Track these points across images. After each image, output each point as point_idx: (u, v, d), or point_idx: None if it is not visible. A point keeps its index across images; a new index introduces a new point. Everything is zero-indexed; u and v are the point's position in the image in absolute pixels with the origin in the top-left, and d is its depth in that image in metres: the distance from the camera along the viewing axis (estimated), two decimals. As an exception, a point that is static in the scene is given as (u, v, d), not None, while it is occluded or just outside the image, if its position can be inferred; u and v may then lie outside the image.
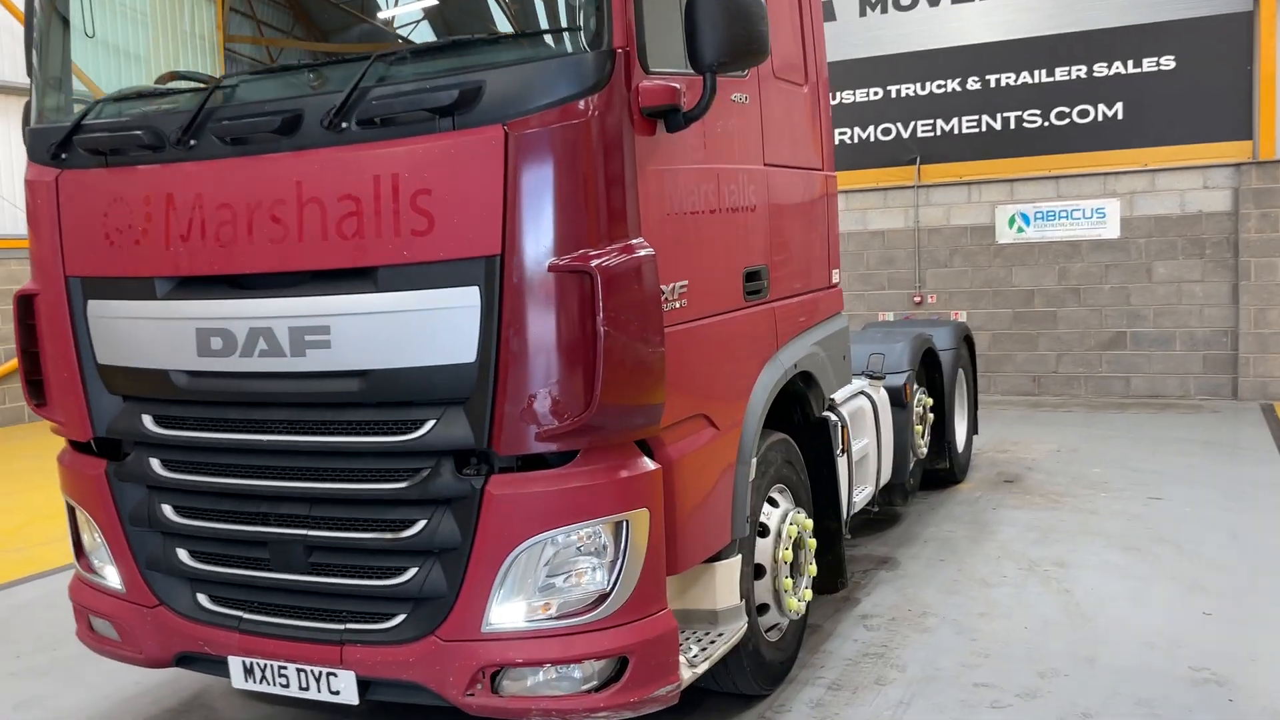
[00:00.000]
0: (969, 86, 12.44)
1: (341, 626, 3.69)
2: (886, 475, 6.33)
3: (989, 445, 9.52)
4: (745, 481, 4.06)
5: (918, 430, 6.91)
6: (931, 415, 7.28)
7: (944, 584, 5.87)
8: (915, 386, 6.97)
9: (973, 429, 8.64)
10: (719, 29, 3.36)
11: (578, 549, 3.44)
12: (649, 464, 3.48)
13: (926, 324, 8.27)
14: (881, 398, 6.26)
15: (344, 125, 3.49)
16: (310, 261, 3.59)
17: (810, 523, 4.66)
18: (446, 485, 3.47)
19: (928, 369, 7.49)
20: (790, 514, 4.52)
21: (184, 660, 4.06)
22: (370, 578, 3.64)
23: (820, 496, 5.12)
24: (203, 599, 3.99)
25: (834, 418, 5.22)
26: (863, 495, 5.84)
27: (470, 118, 3.34)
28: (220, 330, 3.74)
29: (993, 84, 12.33)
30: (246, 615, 3.88)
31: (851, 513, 5.61)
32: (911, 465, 7.02)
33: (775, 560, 4.40)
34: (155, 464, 3.99)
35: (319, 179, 3.56)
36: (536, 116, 3.28)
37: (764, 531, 4.42)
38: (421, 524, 3.52)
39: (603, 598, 3.43)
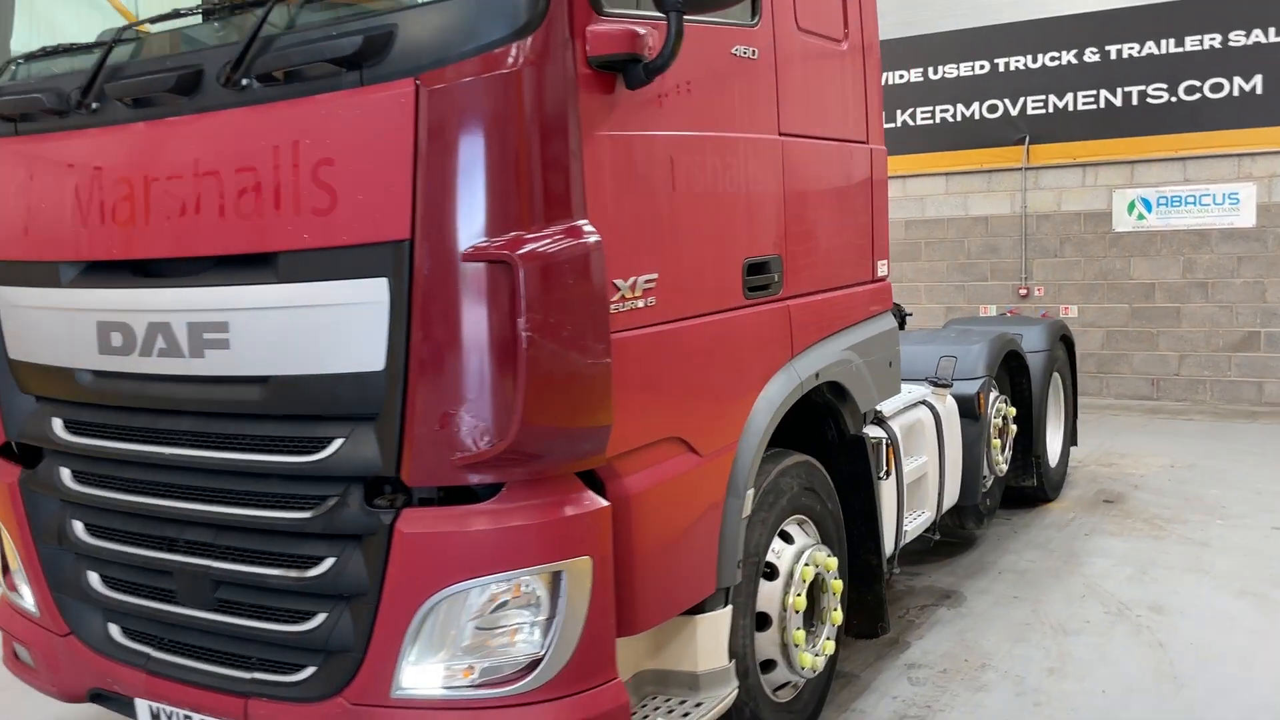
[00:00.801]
0: (1086, 58, 11.29)
1: (249, 675, 3.13)
2: (952, 498, 5.51)
3: (1092, 457, 8.51)
4: (737, 518, 3.35)
5: (995, 445, 6.04)
6: (1014, 427, 6.39)
7: (1012, 628, 5.04)
8: (994, 395, 6.10)
9: (1070, 440, 7.68)
10: None
11: (505, 603, 2.79)
12: (593, 501, 2.81)
13: (1017, 322, 7.36)
14: (947, 408, 5.44)
15: (244, 82, 2.90)
16: (208, 246, 3.03)
17: (834, 561, 3.91)
18: (354, 518, 2.87)
19: (1012, 374, 6.59)
20: (808, 552, 3.79)
21: (97, 697, 3.57)
22: (277, 621, 3.07)
23: (858, 527, 4.37)
24: (114, 630, 3.49)
25: (877, 435, 4.46)
26: (918, 522, 5.04)
27: (380, 70, 2.71)
28: (120, 325, 3.22)
29: (1113, 55, 11.14)
30: (154, 653, 3.36)
31: (902, 543, 4.83)
32: (988, 484, 6.17)
33: (784, 608, 3.68)
34: (65, 475, 3.50)
35: (216, 147, 2.98)
36: (453, 68, 2.64)
37: (771, 573, 3.70)
38: (329, 562, 2.93)
39: (535, 664, 2.79)
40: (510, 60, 2.61)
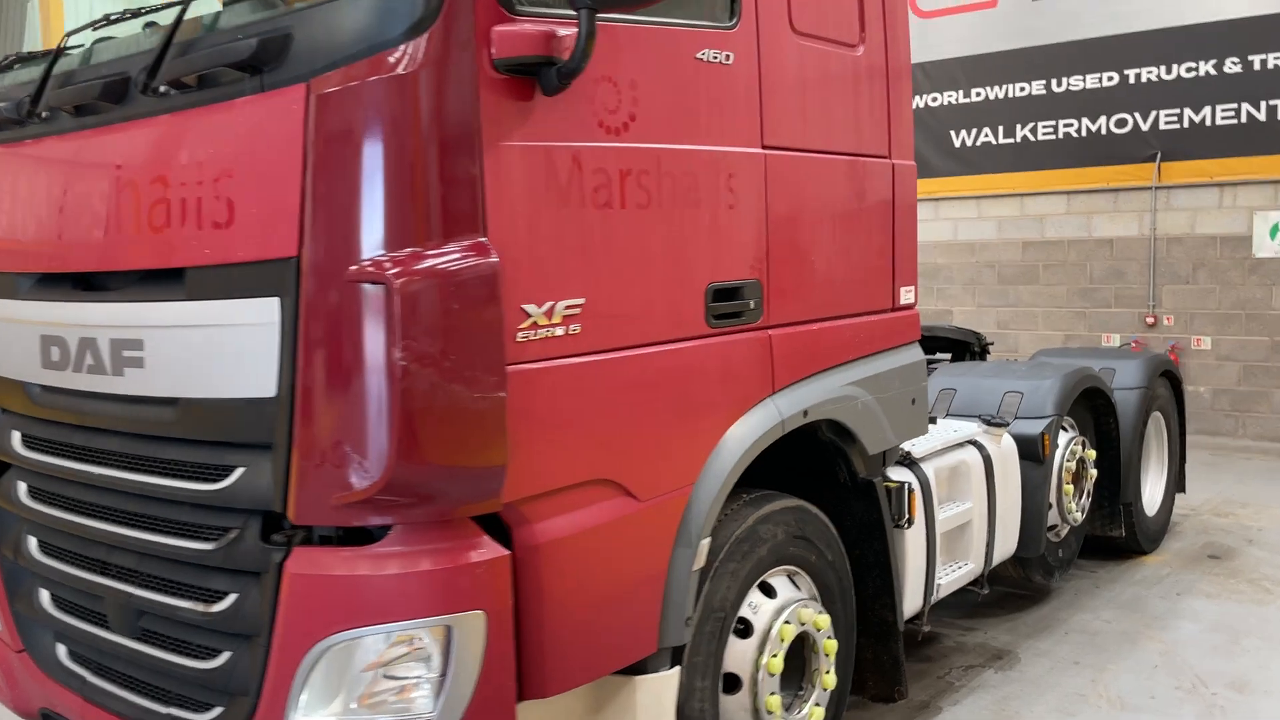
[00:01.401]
0: (1226, 69, 10.38)
1: (165, 710, 2.99)
2: (1007, 548, 4.99)
3: (1207, 505, 7.73)
4: (687, 570, 3.02)
5: (1068, 491, 5.48)
6: (1095, 471, 5.79)
7: (1063, 699, 4.51)
8: (1067, 435, 5.55)
9: (1176, 486, 6.98)
10: None
11: (397, 656, 2.56)
12: (490, 550, 2.54)
13: (1112, 355, 6.72)
14: (1003, 450, 4.94)
15: (161, 89, 2.77)
16: (127, 259, 2.93)
17: (825, 619, 3.53)
18: (250, 553, 2.69)
19: (1097, 413, 5.99)
20: (791, 608, 3.42)
21: (46, 717, 3.51)
22: (189, 655, 2.92)
23: (874, 580, 3.98)
24: (61, 651, 3.42)
25: (902, 479, 4.05)
26: (958, 574, 4.58)
27: (280, 75, 2.54)
28: (57, 339, 3.14)
29: (1256, 66, 10.22)
30: (90, 678, 3.27)
31: (935, 598, 4.38)
32: (1062, 533, 5.62)
33: (757, 669, 3.32)
34: (22, 489, 3.46)
35: (136, 157, 2.88)
36: (341, 71, 2.44)
37: (745, 630, 3.35)
38: (231, 598, 2.76)
39: None
40: (399, 62, 2.39)
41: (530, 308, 2.59)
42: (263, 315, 2.56)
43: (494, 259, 2.44)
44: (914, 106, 11.55)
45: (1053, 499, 5.43)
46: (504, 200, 2.53)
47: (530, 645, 2.66)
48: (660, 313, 2.96)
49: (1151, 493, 6.74)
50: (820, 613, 3.55)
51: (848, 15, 3.70)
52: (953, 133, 11.91)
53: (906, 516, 4.04)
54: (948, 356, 6.80)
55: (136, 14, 2.97)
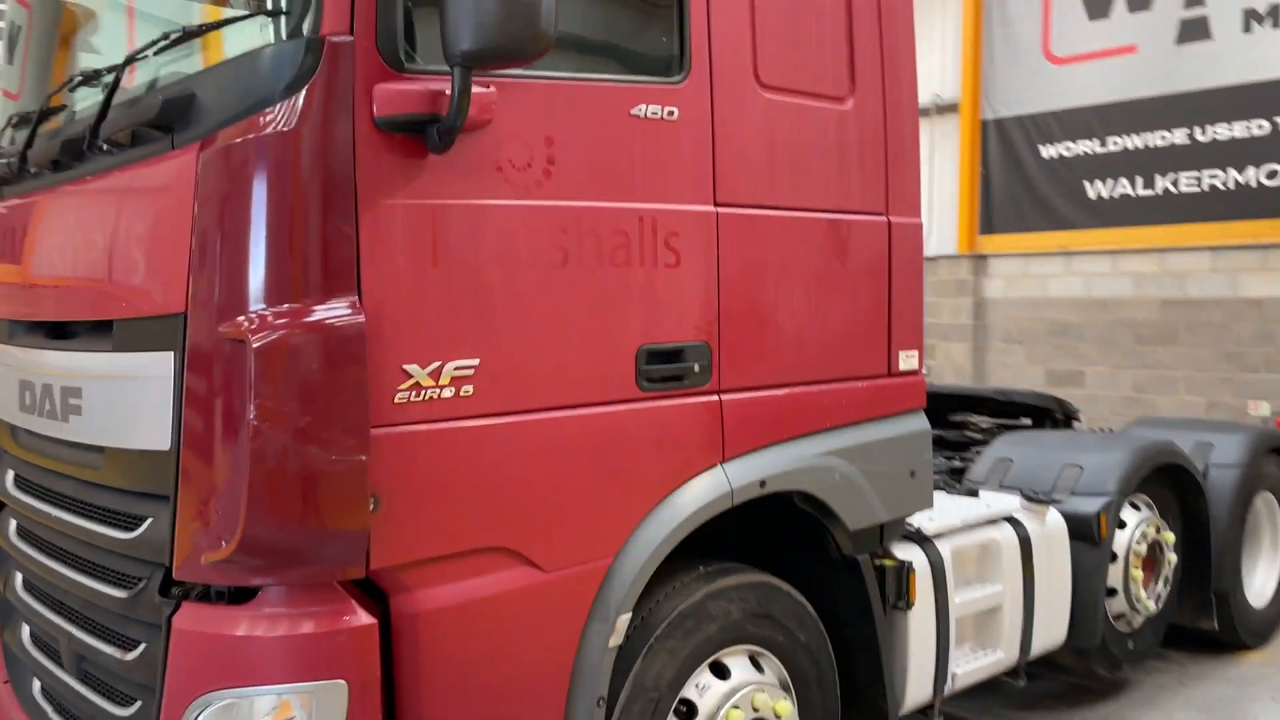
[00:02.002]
0: (1394, 116, 9.51)
1: None
2: (1052, 637, 4.58)
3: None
4: (602, 647, 2.87)
5: (1136, 576, 4.99)
6: (1174, 556, 5.28)
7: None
8: (1142, 515, 5.08)
9: (1295, 576, 6.30)
10: (472, 10, 2.32)
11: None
12: (354, 618, 2.47)
13: (1214, 427, 6.15)
14: (1047, 528, 4.55)
15: (102, 148, 2.88)
16: (72, 310, 3.05)
17: (786, 706, 3.30)
18: (151, 605, 2.72)
19: (1184, 493, 5.48)
20: (743, 691, 3.21)
21: (22, 749, 3.64)
22: (113, 700, 2.97)
23: (869, 664, 3.71)
24: (35, 686, 3.55)
25: (904, 558, 3.79)
26: (981, 663, 4.22)
27: (186, 135, 2.59)
28: (28, 382, 3.29)
29: None
30: (51, 714, 3.37)
31: (949, 688, 4.04)
32: (1136, 622, 5.13)
33: (698, 757, 3.13)
34: (13, 527, 3.63)
35: (77, 212, 3.01)
36: (224, 131, 2.46)
37: (688, 713, 3.17)
38: (142, 648, 2.79)
39: None
40: (272, 121, 2.40)
41: (413, 368, 2.53)
42: (160, 369, 2.60)
43: (359, 318, 2.40)
44: (1047, 156, 11.05)
45: (1118, 585, 4.97)
46: (384, 259, 2.48)
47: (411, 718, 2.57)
48: (577, 375, 2.85)
49: (1263, 583, 6.11)
50: (781, 698, 3.32)
51: (833, 68, 3.51)
52: (1087, 183, 11.30)
53: (904, 598, 3.76)
54: (1028, 423, 6.37)
55: (87, 79, 3.08)
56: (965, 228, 12.17)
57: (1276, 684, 5.44)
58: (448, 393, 2.59)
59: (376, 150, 2.47)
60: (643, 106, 2.96)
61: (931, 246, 12.55)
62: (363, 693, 2.47)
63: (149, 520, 2.72)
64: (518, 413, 2.73)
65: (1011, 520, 4.44)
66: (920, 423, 3.84)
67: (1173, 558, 5.26)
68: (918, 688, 3.92)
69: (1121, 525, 5.04)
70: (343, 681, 2.45)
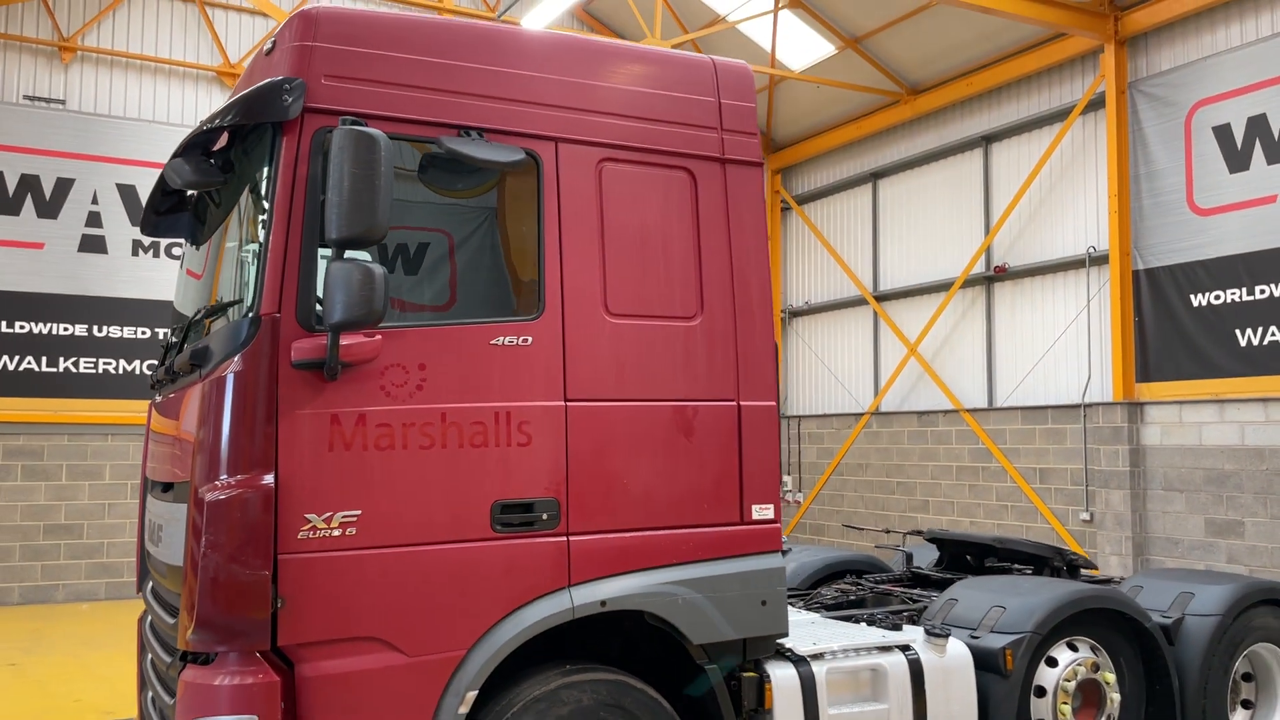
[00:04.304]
0: None
1: None
2: (955, 754, 5.27)
3: None
4: (451, 713, 4.11)
5: (1063, 711, 5.53)
6: (1116, 697, 5.72)
7: None
8: (1076, 655, 5.63)
9: (1324, 730, 6.40)
10: (333, 296, 3.82)
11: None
12: (265, 676, 3.88)
13: (1210, 578, 6.46)
14: (946, 659, 5.29)
15: (177, 374, 4.62)
16: (161, 475, 4.75)
17: None
18: (176, 667, 4.25)
19: (1142, 638, 5.91)
20: (587, 763, 4.33)
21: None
22: None
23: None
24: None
25: (764, 672, 4.77)
26: (864, 770, 5.02)
27: (203, 370, 4.25)
28: (152, 524, 5.02)
29: None
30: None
31: (823, 789, 4.89)
32: (1078, 756, 5.65)
33: (542, 813, 4.25)
34: (147, 623, 5.36)
35: (169, 411, 4.73)
36: (213, 369, 4.09)
37: (535, 780, 4.31)
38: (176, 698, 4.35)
39: None
40: (227, 366, 3.99)
41: (311, 516, 3.98)
42: (182, 513, 4.19)
43: (267, 486, 3.89)
44: (1197, 304, 11.25)
45: (1047, 716, 5.54)
46: (295, 448, 3.98)
47: (304, 751, 3.94)
48: (439, 521, 4.19)
49: (1275, 733, 6.31)
50: (629, 774, 4.38)
51: (681, 294, 4.74)
52: (1237, 331, 11.37)
53: (756, 706, 4.72)
54: (1029, 569, 6.94)
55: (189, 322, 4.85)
56: (1120, 375, 12.38)
57: (1250, 829, 5.68)
58: (336, 532, 4.02)
59: (292, 381, 4.00)
60: (501, 338, 4.35)
61: (1089, 394, 12.82)
62: (270, 726, 3.87)
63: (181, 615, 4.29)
64: (390, 546, 4.11)
65: (906, 649, 5.24)
66: (773, 561, 4.83)
67: (1115, 696, 5.73)
68: (781, 786, 4.81)
69: (1053, 663, 5.64)
70: (254, 716, 3.86)
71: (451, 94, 4.36)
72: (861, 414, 16.54)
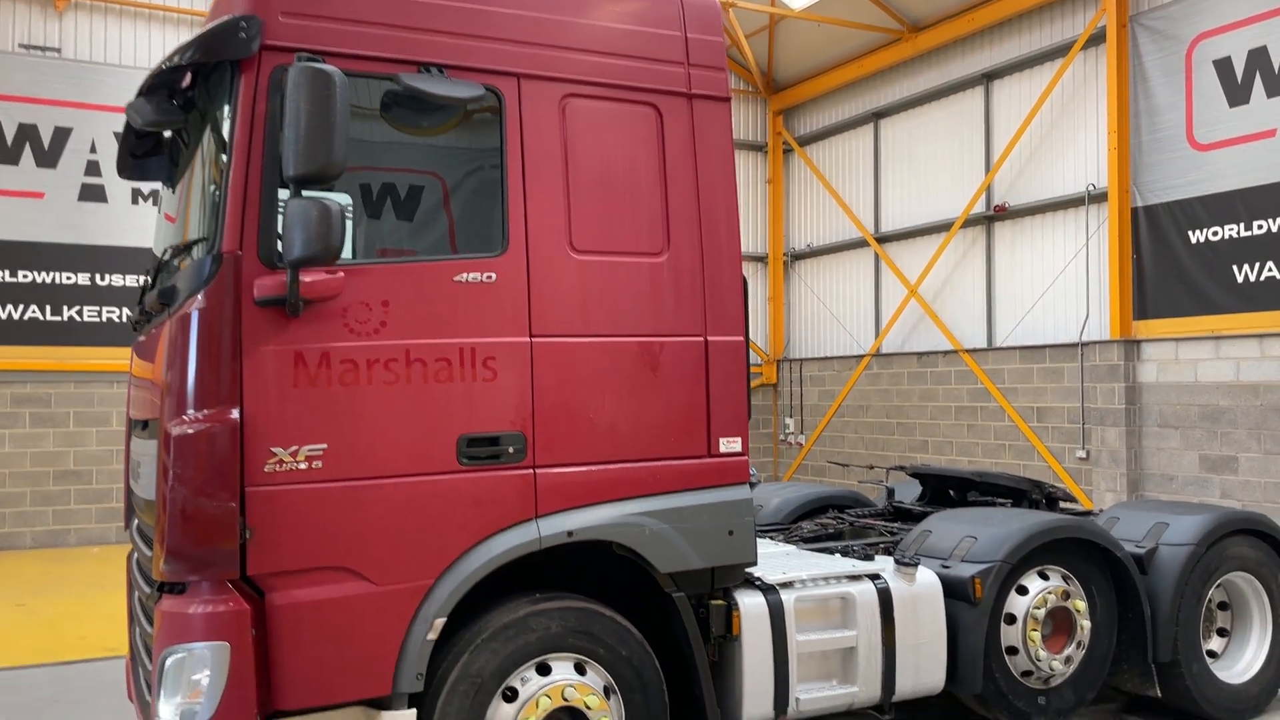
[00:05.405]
0: None
1: None
2: (927, 681, 5.36)
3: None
4: (420, 639, 4.22)
5: (1033, 638, 5.63)
6: (1086, 623, 5.81)
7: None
8: (1046, 584, 5.72)
9: (1285, 660, 6.48)
10: (291, 233, 3.87)
11: (192, 665, 4.05)
12: (236, 604, 4.00)
13: (1187, 509, 6.52)
14: (916, 587, 5.38)
15: (150, 313, 4.69)
16: (141, 411, 4.85)
17: (598, 700, 4.43)
18: (154, 597, 4.38)
19: (1114, 566, 5.99)
20: (557, 685, 4.43)
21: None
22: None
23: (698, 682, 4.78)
24: (139, 673, 5.35)
25: (735, 600, 4.87)
26: (829, 693, 5.13)
27: (172, 308, 4.31)
28: (134, 463, 5.14)
29: None
30: (144, 687, 5.13)
31: (796, 710, 5.01)
32: (1052, 681, 5.74)
33: (515, 728, 4.38)
34: (133, 560, 5.49)
35: (144, 349, 4.82)
36: (179, 307, 4.16)
37: (513, 696, 4.43)
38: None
39: (194, 715, 4.01)
40: (192, 302, 4.05)
41: (278, 450, 4.07)
42: (155, 448, 4.29)
43: (233, 420, 3.97)
44: (1195, 241, 11.19)
45: (1017, 644, 5.65)
46: (259, 383, 4.05)
47: (277, 671, 4.06)
48: (406, 455, 4.27)
49: (1250, 660, 6.40)
50: (594, 695, 4.49)
51: (648, 231, 4.77)
52: (1234, 267, 11.33)
53: (725, 632, 4.83)
54: (1008, 502, 7.02)
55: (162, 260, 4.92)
56: (1118, 313, 12.37)
57: (1217, 752, 5.79)
58: (302, 465, 4.11)
59: (256, 318, 4.06)
60: (464, 274, 4.40)
61: (1086, 332, 12.81)
62: (239, 650, 3.98)
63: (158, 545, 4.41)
64: (356, 479, 4.20)
65: (875, 578, 5.33)
66: (741, 493, 4.91)
67: (1085, 624, 5.82)
68: (757, 706, 4.93)
69: (1024, 591, 5.72)
70: (226, 643, 3.98)
71: (411, 30, 4.37)
72: (862, 356, 16.57)
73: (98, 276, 13.94)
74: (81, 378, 13.87)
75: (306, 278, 4.02)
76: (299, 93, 3.85)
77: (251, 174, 4.06)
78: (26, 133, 13.70)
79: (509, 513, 4.45)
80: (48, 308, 13.75)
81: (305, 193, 3.90)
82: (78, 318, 13.85)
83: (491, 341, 4.44)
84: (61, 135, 13.84)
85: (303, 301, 4.05)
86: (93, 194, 13.98)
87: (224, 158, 4.14)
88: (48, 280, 13.76)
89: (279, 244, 4.05)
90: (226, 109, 4.16)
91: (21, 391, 13.61)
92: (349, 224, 4.01)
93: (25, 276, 13.64)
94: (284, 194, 4.01)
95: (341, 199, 4.49)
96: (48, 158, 13.81)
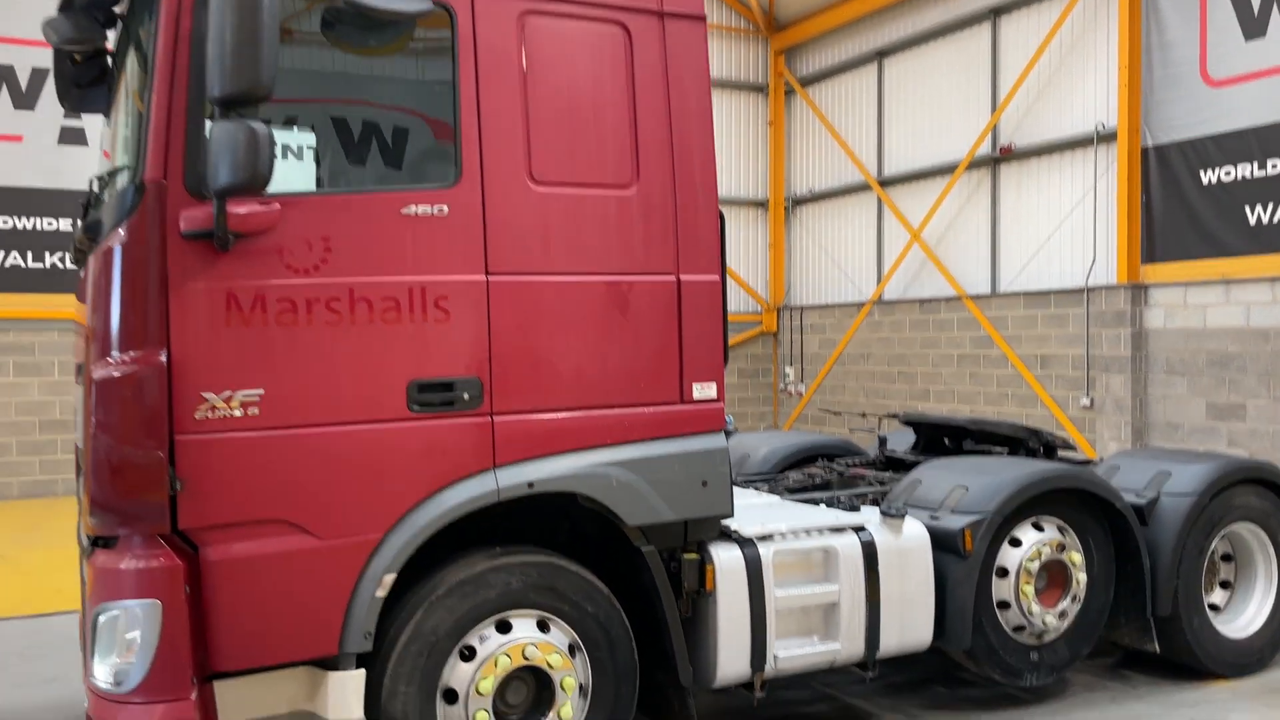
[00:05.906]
0: None
1: None
2: (914, 637, 5.11)
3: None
4: (369, 596, 3.97)
5: (1026, 591, 5.37)
6: (1083, 576, 5.55)
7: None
8: (1041, 535, 5.45)
9: (1296, 611, 6.22)
10: (216, 159, 3.55)
11: (123, 624, 3.80)
12: (167, 559, 3.74)
13: (1190, 458, 6.23)
14: (902, 540, 5.12)
15: (87, 241, 4.39)
16: (80, 356, 4.56)
17: (561, 659, 4.19)
18: (88, 552, 4.13)
19: (1112, 518, 5.71)
20: (517, 643, 4.17)
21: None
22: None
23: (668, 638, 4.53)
24: None
25: (707, 555, 4.61)
26: (809, 650, 4.87)
27: (99, 240, 4.02)
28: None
29: None
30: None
31: (770, 669, 4.76)
32: (1045, 636, 5.49)
33: (471, 686, 4.12)
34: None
35: (80, 293, 4.52)
36: (104, 239, 3.85)
37: (470, 655, 4.18)
38: (95, 579, 4.23)
39: (127, 675, 3.78)
40: (116, 236, 3.75)
41: (209, 395, 3.78)
42: (83, 394, 4.01)
43: (160, 362, 3.69)
44: (1207, 182, 10.78)
45: (1009, 598, 5.39)
46: (188, 324, 3.75)
47: (214, 630, 3.81)
48: (351, 401, 3.98)
49: (1254, 614, 6.15)
50: (557, 654, 4.24)
51: (615, 161, 4.43)
52: (1247, 208, 10.93)
53: (698, 587, 4.57)
54: (1004, 451, 6.74)
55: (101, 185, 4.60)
56: (1125, 257, 12.00)
57: (1210, 711, 5.55)
58: (237, 412, 3.82)
59: (183, 253, 3.76)
60: (413, 206, 4.08)
61: (1093, 277, 12.46)
62: (171, 609, 3.72)
63: (95, 491, 4.14)
64: (296, 427, 3.91)
65: (859, 530, 5.06)
66: (715, 441, 4.62)
67: (1081, 577, 5.56)
68: (732, 663, 4.69)
69: (1017, 543, 5.45)
70: (157, 601, 3.73)
71: (352, -61, 4.01)
72: (864, 303, 16.23)
73: (80, 222, 13.59)
74: (65, 325, 13.58)
75: (237, 209, 3.71)
76: (224, 6, 3.51)
77: (176, 96, 3.74)
78: (3, 74, 13.32)
79: (464, 463, 4.17)
80: (29, 254, 13.45)
81: (233, 115, 3.57)
82: (60, 265, 13.55)
83: (444, 280, 4.14)
84: (39, 76, 13.43)
85: (233, 235, 3.73)
86: (73, 137, 13.61)
87: (147, 78, 3.82)
88: (29, 226, 13.45)
89: (199, 175, 3.73)
90: (149, 25, 3.83)
91: (4, 339, 13.36)
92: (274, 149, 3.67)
93: (5, 222, 13.33)
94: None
95: (307, 137, 4.19)
96: (25, 99, 13.43)
